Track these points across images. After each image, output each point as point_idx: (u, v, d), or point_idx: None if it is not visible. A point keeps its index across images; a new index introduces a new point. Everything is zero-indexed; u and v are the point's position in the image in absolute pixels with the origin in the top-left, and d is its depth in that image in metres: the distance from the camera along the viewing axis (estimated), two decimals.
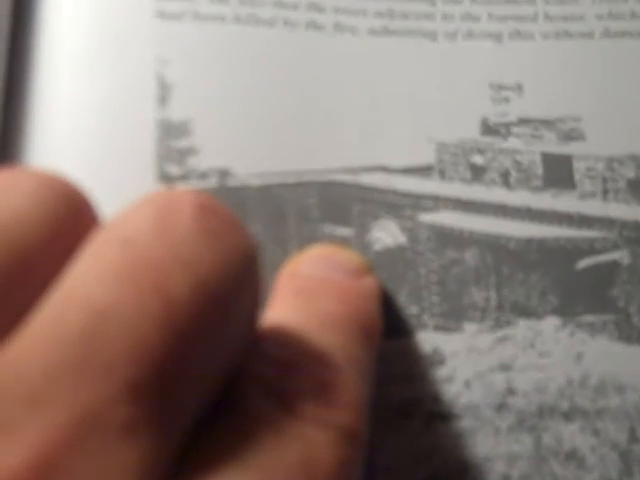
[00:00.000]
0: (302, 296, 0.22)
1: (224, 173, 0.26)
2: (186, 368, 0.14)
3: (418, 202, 0.27)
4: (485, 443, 0.25)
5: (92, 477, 0.12)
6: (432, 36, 0.28)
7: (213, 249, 0.15)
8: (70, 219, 0.16)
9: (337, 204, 0.27)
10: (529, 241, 0.27)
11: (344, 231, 0.26)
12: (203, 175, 0.26)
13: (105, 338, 0.13)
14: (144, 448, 0.13)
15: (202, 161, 0.26)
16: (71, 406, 0.13)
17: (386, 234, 0.27)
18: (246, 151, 0.26)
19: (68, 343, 0.13)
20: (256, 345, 0.18)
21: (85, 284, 0.14)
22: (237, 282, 0.16)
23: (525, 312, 0.26)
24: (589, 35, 0.29)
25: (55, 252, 0.15)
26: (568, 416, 0.26)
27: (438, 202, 0.27)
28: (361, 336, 0.21)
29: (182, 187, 0.25)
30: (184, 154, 0.26)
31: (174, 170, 0.26)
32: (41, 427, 0.12)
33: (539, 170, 0.28)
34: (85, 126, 0.26)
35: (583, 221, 0.27)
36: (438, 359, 0.26)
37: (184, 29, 0.27)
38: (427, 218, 0.27)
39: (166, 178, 0.26)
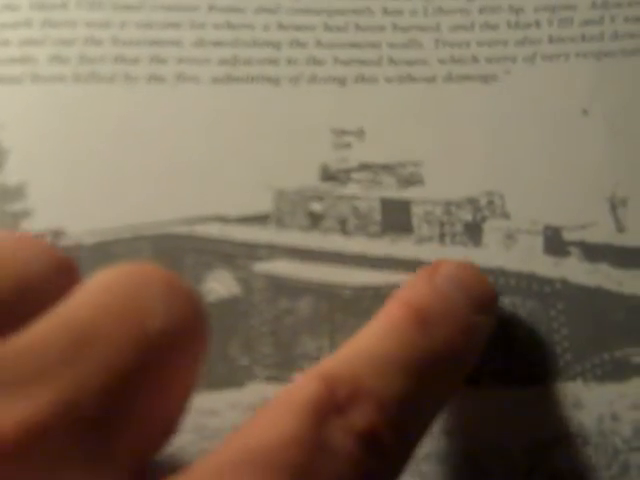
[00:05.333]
0: (418, 322, 0.22)
1: (58, 233, 0.28)
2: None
3: (253, 251, 0.29)
4: None
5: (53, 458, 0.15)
6: (275, 81, 0.30)
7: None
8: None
9: (171, 256, 0.29)
10: (364, 289, 0.29)
11: None
12: (36, 237, 0.28)
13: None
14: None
15: (36, 223, 0.28)
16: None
17: (220, 285, 0.28)
18: (81, 210, 0.29)
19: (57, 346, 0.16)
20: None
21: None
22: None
23: None
24: (432, 79, 0.30)
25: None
26: None
27: (274, 251, 0.29)
28: (445, 387, 0.23)
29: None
30: (18, 217, 0.28)
31: None
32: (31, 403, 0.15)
33: (377, 216, 0.29)
34: None
35: (420, 266, 0.29)
36: None
37: (23, 92, 0.29)
38: (262, 268, 0.29)
39: None
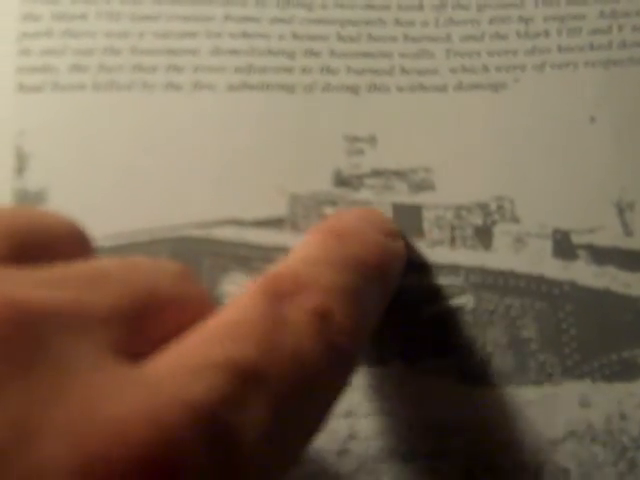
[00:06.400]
0: (335, 236, 0.25)
1: None
2: None
3: (269, 254, 0.30)
4: None
5: None
6: (290, 89, 0.31)
7: None
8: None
9: (188, 259, 0.30)
10: None
11: None
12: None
13: None
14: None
15: None
16: None
17: (236, 287, 0.29)
18: (100, 214, 0.30)
19: None
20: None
21: None
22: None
23: (371, 358, 0.29)
24: (443, 88, 0.31)
25: None
26: (407, 458, 0.28)
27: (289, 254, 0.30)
28: (375, 283, 0.24)
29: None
30: None
31: None
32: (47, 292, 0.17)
33: None
34: None
35: (431, 269, 0.30)
36: None
37: (44, 100, 0.30)
38: None
39: None
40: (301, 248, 0.24)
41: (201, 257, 0.29)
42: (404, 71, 0.31)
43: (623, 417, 0.28)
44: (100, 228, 0.29)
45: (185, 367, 0.17)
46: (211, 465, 0.16)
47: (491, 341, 0.29)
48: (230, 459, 0.16)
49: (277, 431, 0.18)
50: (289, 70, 0.31)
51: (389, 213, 0.30)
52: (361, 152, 0.30)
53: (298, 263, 0.22)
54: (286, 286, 0.21)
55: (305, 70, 0.31)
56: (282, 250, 0.30)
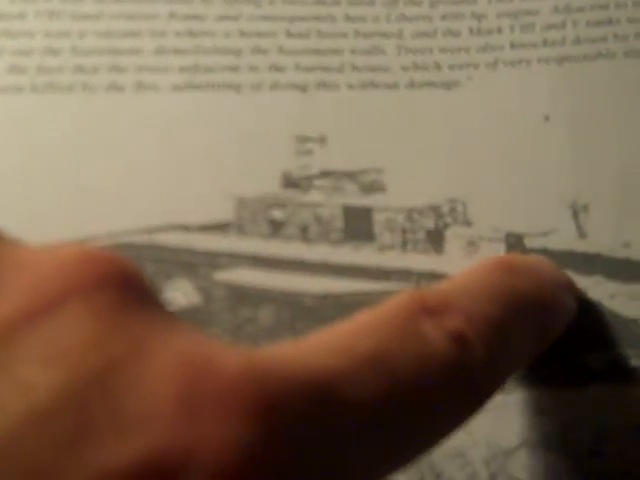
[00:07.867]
0: (504, 266, 0.24)
1: None
2: None
3: (214, 260, 0.29)
4: None
5: None
6: (237, 88, 0.30)
7: None
8: None
9: None
10: (325, 297, 0.29)
11: None
12: None
13: None
14: None
15: None
16: None
17: (180, 294, 0.29)
18: (38, 221, 0.29)
19: None
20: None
21: None
22: None
23: None
24: (394, 86, 0.30)
25: None
26: None
27: (234, 259, 0.29)
28: (530, 334, 0.23)
29: None
30: None
31: None
32: None
33: (340, 223, 0.30)
34: None
35: (381, 273, 0.29)
36: None
37: None
38: (223, 276, 0.29)
39: None
40: (463, 274, 0.23)
41: (144, 263, 0.28)
42: (354, 68, 0.30)
43: (576, 424, 0.27)
44: (39, 236, 0.27)
45: (298, 350, 0.17)
46: (311, 426, 0.15)
47: None
48: (332, 427, 0.16)
49: (380, 430, 0.17)
50: (236, 69, 0.30)
51: (339, 215, 0.29)
52: (310, 152, 0.30)
53: (452, 287, 0.22)
54: (432, 304, 0.20)
55: (252, 68, 0.30)
56: (228, 256, 0.29)
